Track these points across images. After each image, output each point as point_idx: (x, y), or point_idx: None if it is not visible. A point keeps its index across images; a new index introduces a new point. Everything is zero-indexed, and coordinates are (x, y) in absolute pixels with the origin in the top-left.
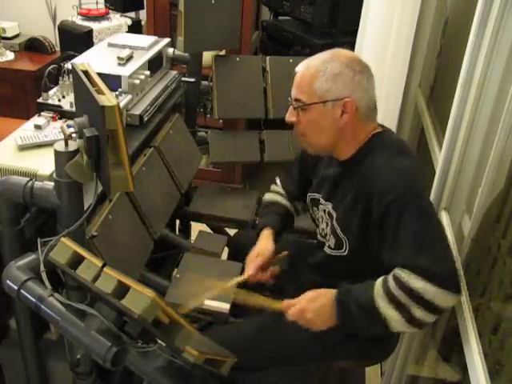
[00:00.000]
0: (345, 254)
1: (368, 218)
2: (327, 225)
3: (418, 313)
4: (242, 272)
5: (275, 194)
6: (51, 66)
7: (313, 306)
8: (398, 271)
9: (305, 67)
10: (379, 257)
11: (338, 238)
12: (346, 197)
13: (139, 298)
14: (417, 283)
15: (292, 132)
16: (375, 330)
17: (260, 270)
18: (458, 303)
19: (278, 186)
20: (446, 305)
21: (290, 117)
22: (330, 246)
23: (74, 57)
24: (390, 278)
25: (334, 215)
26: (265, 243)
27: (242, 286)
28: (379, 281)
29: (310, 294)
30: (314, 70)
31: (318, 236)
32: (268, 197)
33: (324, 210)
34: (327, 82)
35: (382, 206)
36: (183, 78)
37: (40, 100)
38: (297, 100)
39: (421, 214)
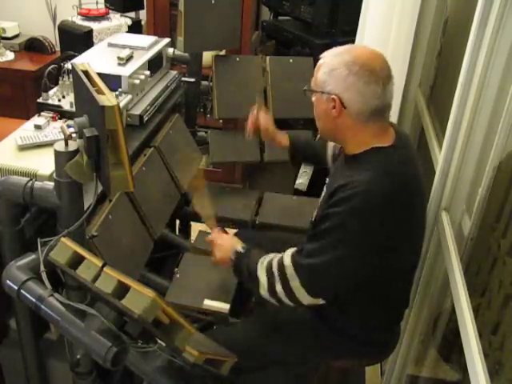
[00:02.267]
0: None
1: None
2: None
3: (280, 294)
4: None
5: None
6: (51, 66)
7: (221, 241)
8: (290, 252)
9: (323, 55)
10: None
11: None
12: (325, 195)
13: (139, 298)
14: (291, 271)
15: (291, 132)
16: (250, 287)
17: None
18: (457, 303)
19: None
20: (302, 300)
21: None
22: None
23: (73, 57)
24: (279, 256)
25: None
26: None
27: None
28: (269, 255)
29: (226, 235)
30: (323, 60)
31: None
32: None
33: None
34: (325, 75)
35: (328, 211)
36: (183, 78)
37: (40, 100)
38: (310, 84)
39: (343, 234)
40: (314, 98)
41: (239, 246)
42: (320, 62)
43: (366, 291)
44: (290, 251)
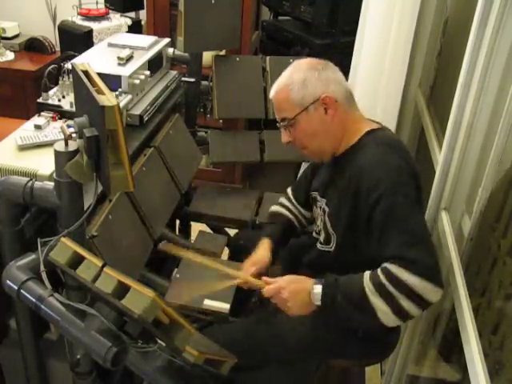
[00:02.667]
0: (331, 249)
1: (356, 215)
2: (321, 220)
3: (406, 304)
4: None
5: (281, 206)
6: (51, 66)
7: (292, 287)
8: (386, 264)
9: (275, 90)
10: (368, 251)
11: (327, 233)
12: (337, 193)
13: (139, 298)
14: (404, 275)
15: None
16: (359, 322)
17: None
18: (457, 303)
19: (286, 197)
20: (431, 297)
21: (285, 139)
22: (320, 242)
23: (73, 57)
24: (379, 270)
25: (327, 210)
26: (261, 253)
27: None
28: (367, 273)
29: (290, 276)
30: (284, 86)
31: (314, 233)
32: (273, 208)
33: (320, 207)
34: (299, 91)
35: (369, 203)
36: (183, 78)
37: (40, 100)
38: (283, 120)
39: (405, 211)
40: (299, 125)
41: (315, 285)
42: (279, 93)
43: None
44: (384, 264)
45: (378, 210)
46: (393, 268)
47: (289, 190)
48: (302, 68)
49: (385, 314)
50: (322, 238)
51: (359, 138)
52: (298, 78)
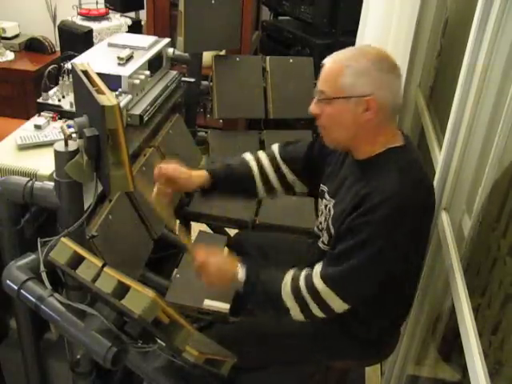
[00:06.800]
0: None
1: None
2: (325, 220)
3: (315, 310)
4: None
5: (254, 159)
6: (51, 66)
7: (217, 261)
8: (315, 271)
9: (332, 60)
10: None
11: (330, 236)
12: (345, 199)
13: (139, 298)
14: (320, 285)
15: (292, 132)
16: (268, 312)
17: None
18: (457, 303)
19: (268, 152)
20: (335, 307)
21: (313, 109)
22: (323, 242)
23: (74, 57)
24: (302, 276)
25: (332, 213)
26: (185, 169)
27: None
28: (290, 275)
29: (219, 252)
30: (341, 65)
31: (315, 228)
32: (246, 157)
33: (326, 205)
34: (352, 78)
35: (358, 221)
36: (183, 78)
37: (40, 100)
38: (322, 92)
39: (382, 242)
40: (330, 107)
41: (239, 271)
42: (335, 66)
43: (378, 294)
44: (318, 271)
45: (359, 229)
46: (321, 284)
47: (274, 146)
48: (369, 57)
49: (295, 313)
50: (324, 238)
51: (379, 152)
52: (359, 64)
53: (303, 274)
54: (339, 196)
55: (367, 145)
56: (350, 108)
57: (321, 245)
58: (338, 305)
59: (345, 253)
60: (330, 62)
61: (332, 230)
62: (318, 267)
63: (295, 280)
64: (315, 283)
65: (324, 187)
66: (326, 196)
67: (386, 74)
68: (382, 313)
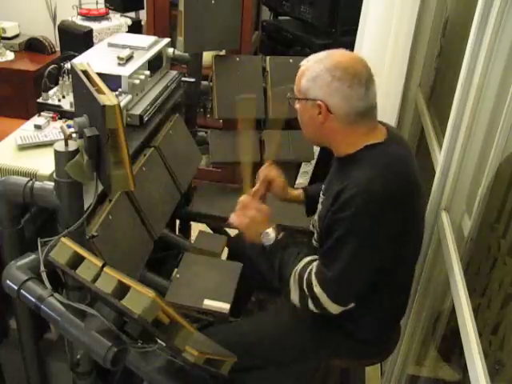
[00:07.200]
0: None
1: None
2: (318, 217)
3: (311, 306)
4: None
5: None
6: (51, 66)
7: (257, 214)
8: (314, 269)
9: (304, 62)
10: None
11: (317, 232)
12: (329, 196)
13: (139, 298)
14: (316, 287)
15: (292, 132)
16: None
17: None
18: (457, 303)
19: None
20: (331, 310)
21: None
22: (315, 239)
23: (73, 57)
24: (308, 270)
25: (319, 210)
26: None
27: None
28: (303, 263)
29: (265, 211)
30: (304, 68)
31: (311, 226)
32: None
33: (321, 202)
34: (308, 81)
35: (334, 218)
36: (183, 78)
37: (40, 100)
38: (293, 91)
39: (356, 238)
40: (297, 106)
41: (271, 233)
42: (301, 68)
43: (372, 290)
44: (314, 268)
45: (337, 227)
46: (313, 275)
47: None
48: (327, 64)
49: (294, 297)
50: (315, 235)
51: (356, 150)
52: (314, 69)
53: (309, 268)
54: (327, 193)
55: (341, 144)
56: (308, 109)
57: (314, 242)
58: (330, 306)
59: (329, 251)
60: (302, 63)
61: (316, 225)
62: (315, 265)
63: (302, 271)
64: (312, 281)
65: (323, 185)
66: (321, 194)
67: (337, 82)
68: (378, 306)
